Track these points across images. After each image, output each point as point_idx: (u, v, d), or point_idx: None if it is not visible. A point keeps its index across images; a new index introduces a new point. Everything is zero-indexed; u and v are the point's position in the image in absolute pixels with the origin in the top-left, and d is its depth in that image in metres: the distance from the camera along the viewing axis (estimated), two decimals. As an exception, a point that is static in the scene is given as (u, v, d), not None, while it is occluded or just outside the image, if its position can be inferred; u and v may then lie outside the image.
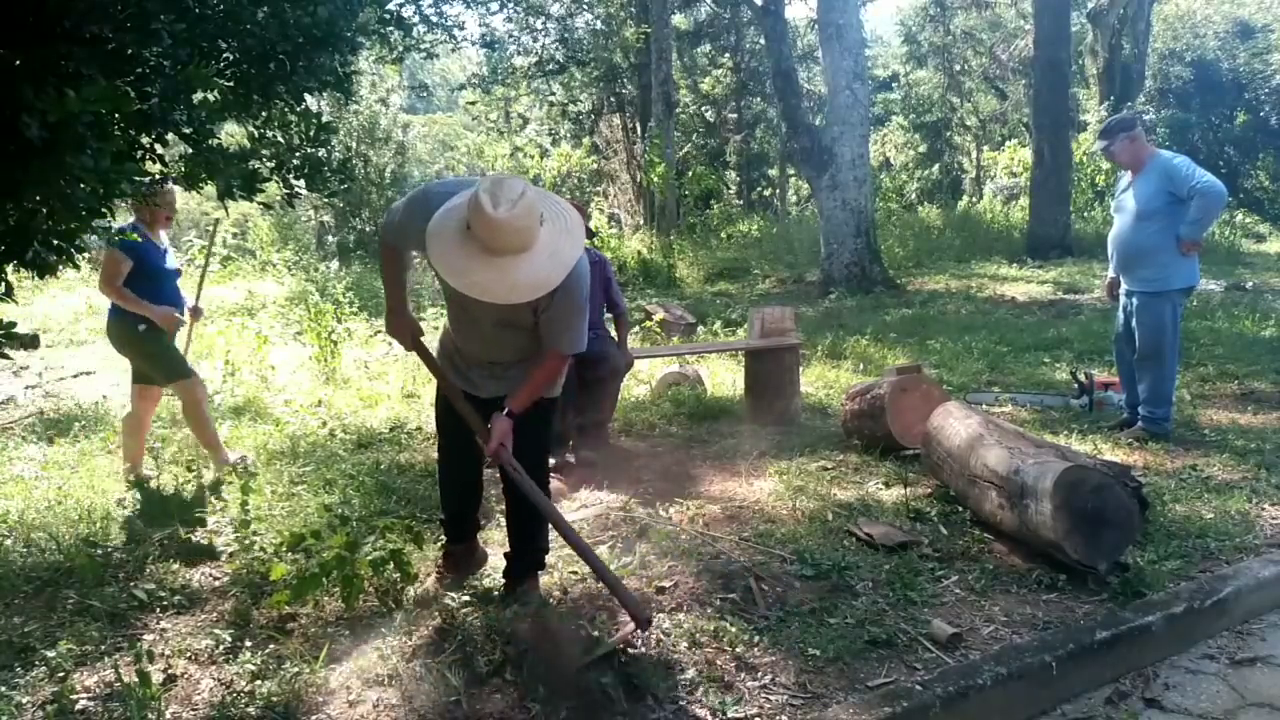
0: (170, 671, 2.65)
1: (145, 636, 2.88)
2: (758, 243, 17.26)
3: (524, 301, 2.57)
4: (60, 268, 2.92)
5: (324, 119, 3.27)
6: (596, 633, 2.76)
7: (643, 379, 6.74)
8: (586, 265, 2.79)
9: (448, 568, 3.27)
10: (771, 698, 2.57)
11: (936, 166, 27.13)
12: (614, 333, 5.28)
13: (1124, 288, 5.27)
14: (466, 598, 3.07)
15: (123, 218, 4.49)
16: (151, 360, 4.48)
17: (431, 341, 3.20)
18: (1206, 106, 21.47)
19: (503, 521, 3.65)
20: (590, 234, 5.31)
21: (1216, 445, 4.93)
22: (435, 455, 3.40)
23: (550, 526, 2.98)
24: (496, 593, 3.16)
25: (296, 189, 3.24)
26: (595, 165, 23.22)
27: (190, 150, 2.90)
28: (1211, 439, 5.06)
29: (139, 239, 4.29)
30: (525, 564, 3.16)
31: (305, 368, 7.21)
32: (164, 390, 4.71)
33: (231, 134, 5.30)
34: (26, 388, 7.15)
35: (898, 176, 25.01)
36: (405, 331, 3.04)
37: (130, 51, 2.73)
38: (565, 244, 2.58)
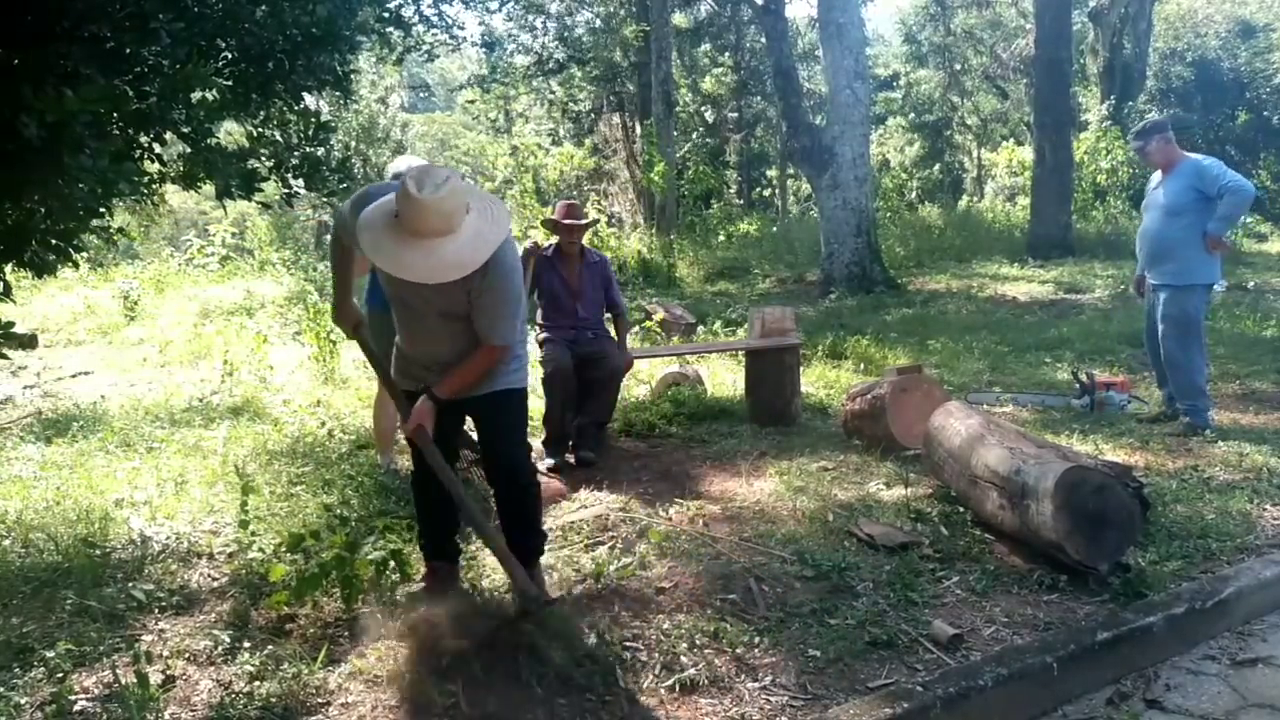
0: (169, 672, 2.64)
1: (144, 637, 2.87)
2: (758, 243, 17.24)
3: (448, 280, 2.62)
4: (59, 267, 2.92)
5: (323, 118, 3.27)
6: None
7: (643, 379, 6.73)
8: (518, 263, 2.90)
9: (434, 586, 3.15)
10: (771, 699, 2.56)
11: (937, 166, 27.14)
12: (614, 333, 5.27)
13: (1150, 283, 5.43)
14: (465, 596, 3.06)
15: (120, 217, 4.49)
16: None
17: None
18: (1208, 106, 21.44)
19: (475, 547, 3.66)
20: (593, 222, 5.34)
21: (1218, 446, 4.92)
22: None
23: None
24: (494, 592, 3.15)
25: (295, 188, 3.24)
26: (595, 165, 23.22)
27: (189, 149, 2.90)
28: (1212, 439, 5.04)
29: None
30: (528, 555, 3.13)
31: (304, 368, 7.20)
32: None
33: (230, 133, 5.28)
34: (25, 388, 7.13)
35: (898, 176, 25.01)
36: (349, 320, 3.11)
37: (129, 51, 2.73)
38: (489, 229, 2.68)
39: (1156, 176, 5.46)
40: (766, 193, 28.18)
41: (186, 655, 2.75)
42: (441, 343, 2.95)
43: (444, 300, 2.78)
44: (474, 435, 4.08)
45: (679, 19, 23.26)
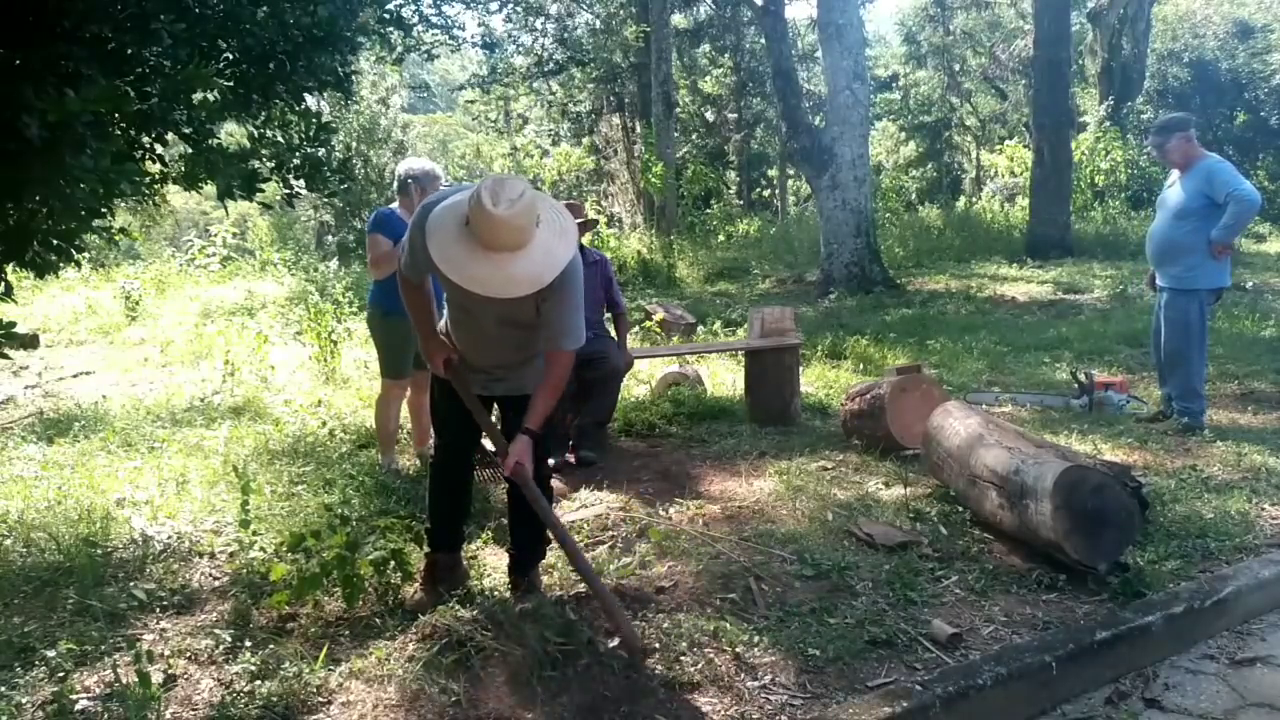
0: (170, 671, 2.65)
1: (145, 636, 2.87)
2: (758, 243, 17.25)
3: (517, 296, 2.63)
4: (60, 268, 2.92)
5: (324, 119, 3.27)
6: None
7: (643, 379, 6.74)
8: (580, 266, 2.86)
9: (433, 579, 3.19)
10: (771, 698, 2.56)
11: (930, 165, 27.20)
12: (614, 333, 5.28)
13: (1157, 283, 5.47)
14: (464, 596, 3.07)
15: (122, 217, 4.49)
16: (382, 349, 4.65)
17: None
18: (1206, 106, 21.45)
19: (484, 533, 3.68)
20: (592, 223, 5.33)
21: (1216, 445, 4.93)
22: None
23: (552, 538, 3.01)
24: (495, 591, 3.16)
25: (296, 189, 3.25)
26: (595, 165, 23.23)
27: (190, 150, 2.91)
28: (1211, 439, 5.05)
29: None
30: (532, 559, 3.21)
31: (305, 368, 7.21)
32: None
33: (231, 134, 5.29)
34: (26, 388, 7.14)
35: (898, 178, 25.04)
36: (442, 354, 3.04)
37: (130, 51, 2.74)
38: (559, 244, 2.67)
39: (1173, 175, 5.42)
40: (766, 193, 28.20)
41: (188, 654, 2.76)
42: (501, 349, 2.97)
43: (506, 309, 2.77)
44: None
45: (679, 20, 23.28)
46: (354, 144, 20.68)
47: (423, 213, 2.77)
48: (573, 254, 2.73)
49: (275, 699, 2.47)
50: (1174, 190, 5.32)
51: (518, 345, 2.98)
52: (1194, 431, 5.14)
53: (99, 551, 3.46)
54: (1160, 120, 5.66)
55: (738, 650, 2.77)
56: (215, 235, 14.47)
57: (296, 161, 3.22)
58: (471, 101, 25.11)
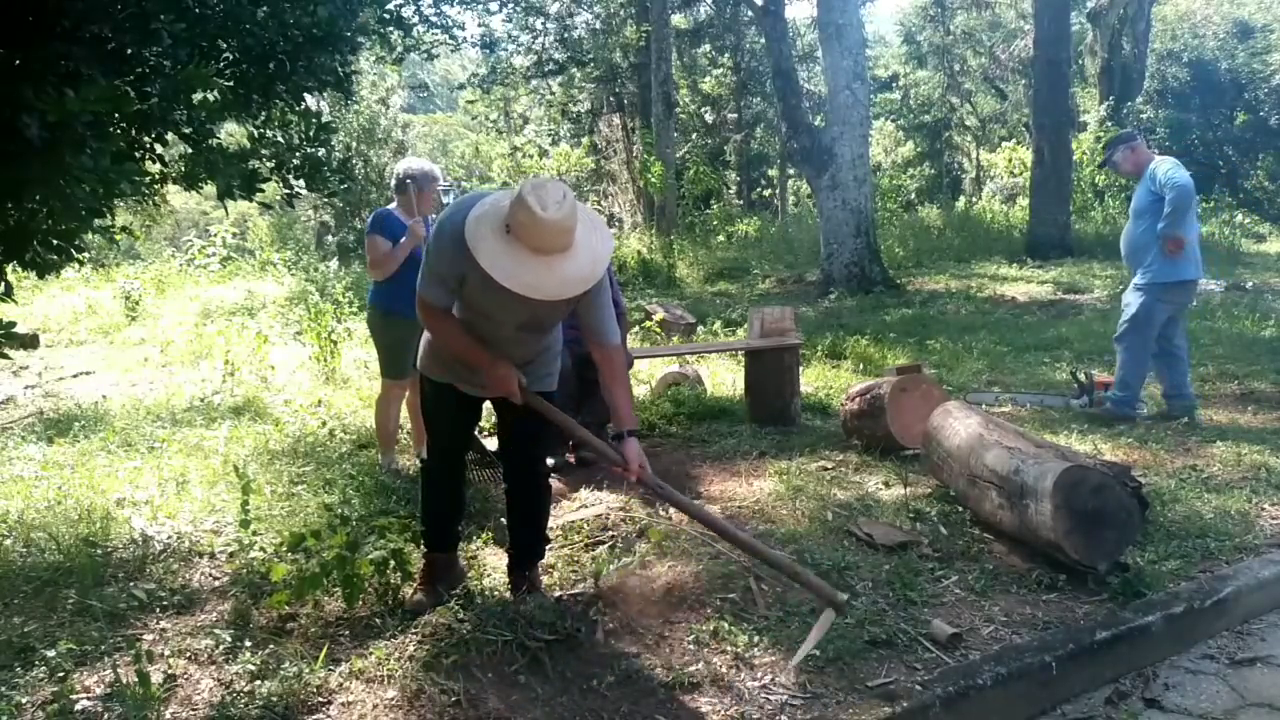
0: (170, 671, 2.65)
1: (145, 636, 2.88)
2: (758, 243, 17.25)
3: (572, 295, 2.67)
4: (60, 268, 2.92)
5: (324, 119, 3.27)
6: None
7: (643, 379, 6.74)
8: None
9: (431, 578, 3.19)
10: (771, 698, 2.57)
11: (927, 164, 27.23)
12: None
13: None
14: (464, 595, 3.07)
15: (122, 217, 4.49)
16: (383, 349, 4.66)
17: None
18: (1206, 107, 21.47)
19: (484, 533, 3.68)
20: None
21: (1216, 445, 4.93)
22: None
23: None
24: (495, 591, 3.16)
25: (296, 189, 3.25)
26: (594, 165, 23.23)
27: (190, 150, 2.91)
28: (1211, 439, 5.05)
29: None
30: (532, 559, 3.22)
31: (305, 368, 7.21)
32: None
33: (231, 134, 5.29)
34: (26, 388, 7.14)
35: (897, 176, 25.06)
36: (514, 377, 2.86)
37: (130, 51, 2.74)
38: (599, 241, 2.72)
39: None
40: (766, 193, 28.20)
41: (188, 654, 2.76)
42: (513, 351, 2.96)
43: (531, 313, 2.77)
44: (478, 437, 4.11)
45: (679, 20, 23.27)
46: (354, 144, 20.68)
47: (454, 229, 2.67)
48: (612, 248, 2.76)
49: (275, 699, 2.47)
50: (1135, 194, 5.61)
51: (528, 348, 2.99)
52: (1118, 419, 5.38)
53: (99, 551, 3.46)
54: (1106, 141, 5.94)
55: (738, 650, 2.77)
56: (215, 235, 14.46)
57: (296, 161, 3.22)
58: (471, 101, 25.11)
